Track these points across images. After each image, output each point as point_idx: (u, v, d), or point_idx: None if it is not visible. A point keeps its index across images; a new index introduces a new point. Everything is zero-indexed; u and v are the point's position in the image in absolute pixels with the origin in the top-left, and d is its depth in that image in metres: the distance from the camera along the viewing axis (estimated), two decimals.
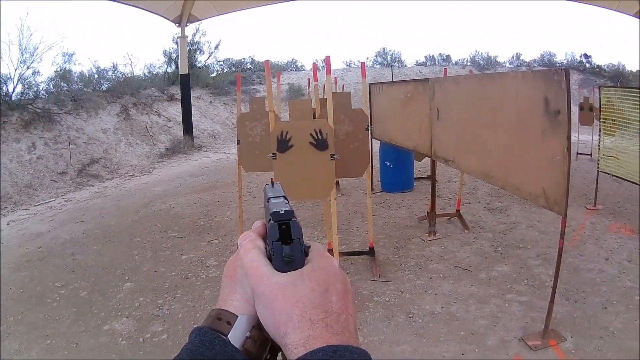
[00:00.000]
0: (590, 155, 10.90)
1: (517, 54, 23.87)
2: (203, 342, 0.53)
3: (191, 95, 14.70)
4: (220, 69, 20.66)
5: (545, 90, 3.54)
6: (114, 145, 12.33)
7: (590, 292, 4.88)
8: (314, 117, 4.95)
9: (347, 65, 24.38)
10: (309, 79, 10.41)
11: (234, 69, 21.03)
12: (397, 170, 8.48)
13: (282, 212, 0.57)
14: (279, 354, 0.56)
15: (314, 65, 6.04)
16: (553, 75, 3.43)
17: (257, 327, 0.56)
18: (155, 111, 14.23)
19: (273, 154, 4.46)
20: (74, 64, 13.63)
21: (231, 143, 14.89)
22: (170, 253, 6.20)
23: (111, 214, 8.33)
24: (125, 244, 6.64)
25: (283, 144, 4.45)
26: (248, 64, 22.37)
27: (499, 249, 6.09)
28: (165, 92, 15.50)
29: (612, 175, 7.13)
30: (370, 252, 5.52)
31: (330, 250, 5.10)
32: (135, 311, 4.68)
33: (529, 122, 3.70)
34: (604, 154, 7.22)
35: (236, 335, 0.54)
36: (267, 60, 5.12)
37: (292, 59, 24.98)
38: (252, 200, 8.56)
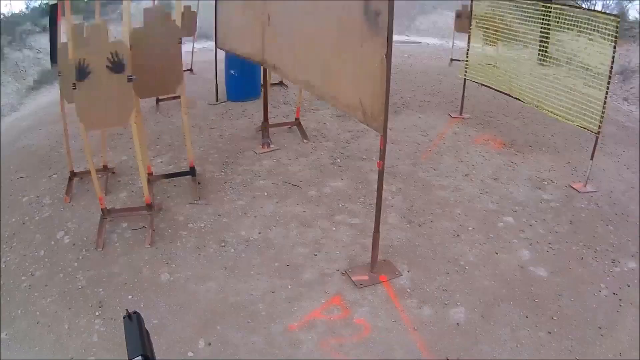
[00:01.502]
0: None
1: None
2: None
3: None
4: None
5: None
6: None
7: (441, 214, 4.40)
8: None
9: None
10: None
11: None
12: (243, 79, 7.65)
13: None
14: None
15: None
16: None
17: None
18: (28, 45, 12.72)
19: (73, 83, 3.82)
20: None
21: None
22: (14, 196, 5.20)
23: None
24: None
25: (82, 72, 3.82)
26: None
27: (338, 160, 5.49)
28: (38, 24, 13.72)
29: (481, 85, 6.61)
30: (191, 172, 4.97)
31: (150, 174, 4.79)
32: None
33: (348, 25, 2.96)
34: (482, 62, 6.64)
35: None
36: None
37: None
38: None
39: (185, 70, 10.11)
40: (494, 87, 6.35)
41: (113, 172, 5.36)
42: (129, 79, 3.79)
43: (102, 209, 4.21)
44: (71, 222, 4.44)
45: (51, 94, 11.16)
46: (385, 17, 2.55)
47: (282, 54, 4.43)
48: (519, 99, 5.91)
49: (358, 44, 2.87)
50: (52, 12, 12.03)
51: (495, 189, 4.90)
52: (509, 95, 6.13)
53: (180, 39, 4.31)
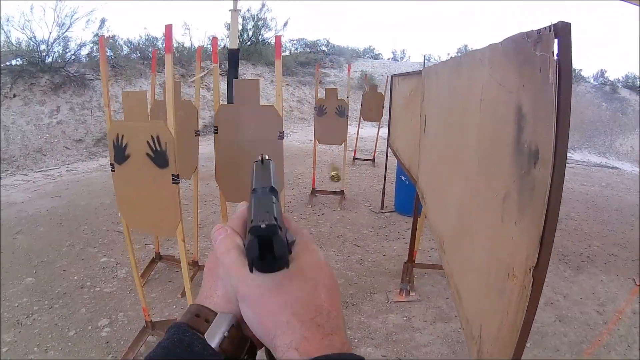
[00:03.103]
0: None
1: (601, 70, 19.81)
2: (181, 341, 0.47)
3: (251, 72, 13.18)
4: (294, 49, 19.00)
5: (518, 89, 1.24)
6: None
7: None
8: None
9: (427, 59, 20.96)
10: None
11: (308, 50, 19.26)
12: (414, 188, 5.97)
13: (264, 226, 0.45)
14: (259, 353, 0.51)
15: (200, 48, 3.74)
16: (532, 45, 1.13)
17: (236, 326, 0.50)
18: (204, 85, 12.75)
19: (111, 164, 2.84)
20: (107, 30, 12.44)
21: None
22: (97, 250, 4.80)
23: (91, 193, 6.96)
24: (68, 231, 5.41)
25: (119, 152, 2.75)
26: (322, 46, 20.26)
27: None
28: (222, 66, 14.00)
29: None
30: None
31: None
32: (8, 312, 3.62)
33: (495, 158, 1.39)
34: None
35: (213, 334, 0.48)
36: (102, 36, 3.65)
37: (370, 46, 22.26)
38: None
39: (366, 160, 9.59)
40: None
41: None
42: (174, 181, 2.57)
43: (145, 321, 3.25)
44: (124, 314, 3.61)
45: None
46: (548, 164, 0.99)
47: (427, 180, 2.83)
48: None
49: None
50: (231, 57, 11.77)
51: None
52: None
53: (282, 132, 3.00)
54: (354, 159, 9.57)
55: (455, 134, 1.92)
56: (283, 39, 17.52)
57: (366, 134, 11.52)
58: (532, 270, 1.03)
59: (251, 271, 0.48)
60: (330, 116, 6.35)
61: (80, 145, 9.34)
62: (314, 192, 6.73)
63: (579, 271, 5.04)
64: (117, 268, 4.38)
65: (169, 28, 2.70)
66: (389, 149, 5.38)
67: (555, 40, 1.02)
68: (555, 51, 1.04)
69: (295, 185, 7.59)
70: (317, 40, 20.46)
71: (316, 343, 0.44)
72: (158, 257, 4.38)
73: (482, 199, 1.46)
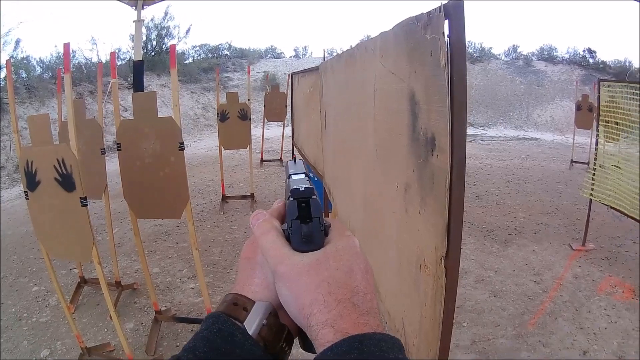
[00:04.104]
0: (588, 164, 8.34)
1: (513, 45, 19.88)
2: (221, 331, 0.47)
3: (156, 83, 12.57)
4: (197, 55, 18.39)
5: (409, 76, 1.20)
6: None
7: None
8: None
9: (329, 54, 21.21)
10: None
11: (210, 55, 18.73)
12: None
13: (302, 189, 0.51)
14: (296, 340, 0.51)
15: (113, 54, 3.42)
16: (422, 28, 1.09)
17: (274, 314, 0.50)
18: (112, 101, 11.99)
19: (25, 192, 2.63)
20: (21, 51, 11.63)
21: (188, 136, 12.75)
22: (29, 280, 4.43)
23: (17, 221, 6.28)
24: None
25: (31, 179, 2.56)
26: (225, 50, 19.78)
27: None
28: (129, 78, 13.23)
29: (610, 208, 4.60)
30: None
31: (158, 312, 3.44)
32: None
33: (393, 148, 1.35)
34: (603, 163, 4.68)
35: (252, 323, 0.48)
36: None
37: (271, 46, 21.98)
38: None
39: (274, 160, 9.36)
40: (625, 212, 4.30)
41: (134, 288, 4.09)
42: (82, 203, 2.36)
43: (81, 348, 3.00)
44: (61, 342, 3.35)
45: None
46: (445, 144, 0.95)
47: (332, 176, 2.78)
48: None
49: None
50: (136, 70, 11.37)
51: None
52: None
53: (182, 143, 2.81)
54: (262, 161, 9.38)
55: (354, 127, 1.86)
56: (186, 46, 16.84)
57: (272, 134, 11.33)
58: (443, 260, 0.99)
59: (290, 232, 0.50)
60: (233, 121, 6.15)
61: (2, 173, 8.44)
62: (225, 198, 6.49)
63: (507, 245, 5.09)
64: (49, 296, 4.04)
65: (67, 47, 2.53)
66: (294, 147, 5.34)
67: (446, 21, 0.94)
68: (447, 32, 0.95)
69: (205, 193, 7.25)
70: (220, 44, 19.89)
71: (352, 321, 0.44)
72: (83, 281, 4.09)
73: (385, 191, 1.40)
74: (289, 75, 6.66)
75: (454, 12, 0.97)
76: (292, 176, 0.57)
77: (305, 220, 0.50)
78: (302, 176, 0.57)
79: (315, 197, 0.51)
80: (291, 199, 0.51)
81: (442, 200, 0.95)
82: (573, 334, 3.43)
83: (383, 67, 1.45)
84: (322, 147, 3.03)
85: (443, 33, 0.99)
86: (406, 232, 1.21)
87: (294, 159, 0.84)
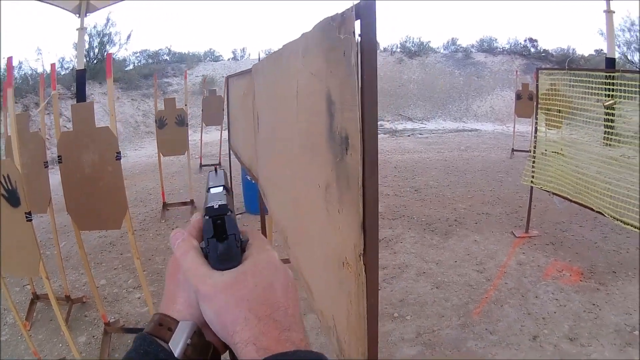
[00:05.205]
0: (529, 152, 8.67)
1: (452, 38, 19.79)
2: (147, 353, 0.47)
3: (99, 92, 12.22)
4: (137, 61, 17.95)
5: (327, 76, 1.23)
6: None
7: None
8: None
9: (266, 54, 20.75)
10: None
11: (151, 61, 18.31)
12: None
13: (217, 206, 0.51)
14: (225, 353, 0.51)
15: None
16: (337, 28, 1.11)
17: (198, 333, 0.50)
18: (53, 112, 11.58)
19: None
20: None
21: (129, 144, 12.37)
22: None
23: None
24: None
25: None
26: (164, 55, 19.37)
27: None
28: (72, 88, 12.78)
29: (552, 194, 4.81)
30: None
31: (106, 324, 3.42)
32: None
33: (314, 148, 1.38)
34: (546, 150, 4.89)
35: (177, 343, 0.48)
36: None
37: (210, 49, 21.58)
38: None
39: (213, 165, 9.21)
40: (567, 197, 4.48)
41: (84, 302, 4.04)
42: (27, 218, 2.36)
43: None
44: None
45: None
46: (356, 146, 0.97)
47: (266, 176, 2.75)
48: (599, 212, 4.03)
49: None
50: (79, 79, 10.90)
51: (575, 357, 3.09)
52: (586, 207, 4.27)
53: (119, 153, 2.81)
54: (201, 166, 9.22)
55: (281, 129, 1.87)
56: (127, 53, 16.37)
57: (210, 138, 11.09)
58: (362, 257, 1.01)
59: (207, 250, 0.50)
60: (170, 127, 6.15)
61: None
62: (165, 206, 6.43)
63: (448, 236, 5.16)
64: (5, 314, 3.93)
65: (9, 61, 2.51)
66: (230, 150, 5.32)
67: (358, 21, 0.96)
68: (358, 32, 1.00)
69: (147, 201, 7.15)
70: (159, 49, 19.39)
71: (274, 338, 0.44)
72: (36, 297, 4.00)
73: (309, 192, 1.41)
74: (225, 78, 6.63)
75: (364, 12, 0.99)
76: (211, 189, 0.57)
77: (222, 237, 0.50)
78: (220, 189, 0.57)
79: (230, 214, 0.51)
80: (206, 217, 0.51)
81: (357, 198, 0.98)
82: (521, 320, 3.53)
83: (305, 67, 1.46)
84: (255, 150, 3.02)
85: (354, 32, 1.01)
86: (329, 231, 1.24)
87: (216, 169, 0.81)
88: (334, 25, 1.14)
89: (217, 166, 0.72)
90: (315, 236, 1.44)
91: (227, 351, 0.51)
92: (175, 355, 0.47)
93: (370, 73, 0.98)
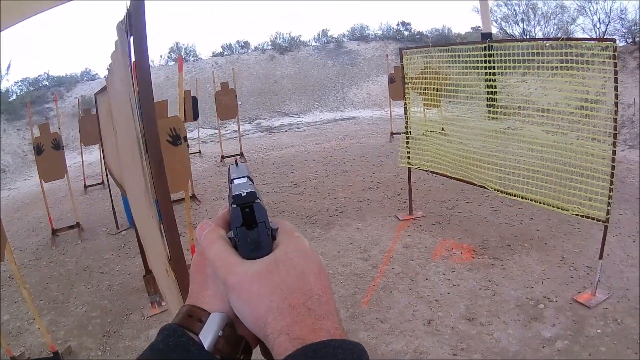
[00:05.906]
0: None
1: (323, 30, 19.72)
2: (177, 345, 0.45)
3: None
4: (19, 90, 16.67)
5: (128, 77, 1.21)
6: None
7: None
8: None
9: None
10: None
11: (32, 88, 17.12)
12: None
13: (244, 194, 0.50)
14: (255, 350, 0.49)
15: None
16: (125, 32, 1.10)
17: (230, 325, 0.48)
18: None
19: None
20: None
21: (19, 175, 11.37)
22: None
23: None
24: None
25: None
26: (44, 80, 18.11)
27: None
28: None
29: (430, 172, 4.99)
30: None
31: None
32: None
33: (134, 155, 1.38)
34: (426, 130, 4.98)
35: (207, 334, 0.46)
36: None
37: (86, 68, 20.30)
38: None
39: (97, 184, 8.96)
40: (447, 174, 4.62)
41: None
42: None
43: None
44: None
45: None
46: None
47: (129, 189, 2.72)
48: (481, 186, 4.19)
49: None
50: None
51: (474, 339, 3.06)
52: (467, 182, 4.39)
53: None
54: (85, 187, 8.95)
55: (121, 138, 1.82)
56: (8, 83, 15.11)
57: (94, 158, 10.58)
58: (170, 262, 1.00)
59: (236, 240, 0.48)
60: (48, 152, 6.19)
61: None
62: (54, 232, 6.31)
63: (330, 227, 5.10)
64: None
65: None
66: (106, 168, 5.19)
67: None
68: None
69: (39, 230, 6.73)
70: (39, 75, 17.95)
71: (308, 327, 0.43)
72: None
73: (142, 197, 1.40)
74: (94, 95, 6.47)
75: (134, 12, 0.97)
76: (235, 181, 0.56)
77: (251, 226, 0.49)
78: (245, 180, 0.56)
79: (258, 201, 0.50)
80: (234, 205, 0.49)
81: (152, 202, 0.96)
82: (412, 304, 3.50)
83: (118, 75, 1.42)
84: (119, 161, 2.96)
85: (127, 31, 0.99)
86: (155, 239, 1.21)
87: (236, 162, 0.77)
88: (123, 28, 1.12)
89: (238, 158, 0.68)
90: (153, 244, 1.42)
91: (258, 346, 0.49)
92: (205, 347, 0.45)
93: (143, 70, 0.98)
